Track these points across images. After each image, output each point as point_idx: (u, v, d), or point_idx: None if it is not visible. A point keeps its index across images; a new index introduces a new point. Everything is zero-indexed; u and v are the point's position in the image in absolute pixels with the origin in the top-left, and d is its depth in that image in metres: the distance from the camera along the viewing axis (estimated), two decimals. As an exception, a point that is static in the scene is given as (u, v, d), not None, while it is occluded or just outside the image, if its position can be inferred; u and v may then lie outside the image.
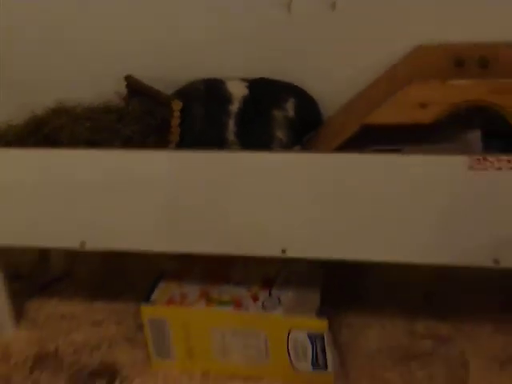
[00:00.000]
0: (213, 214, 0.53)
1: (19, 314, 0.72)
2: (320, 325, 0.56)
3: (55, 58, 0.70)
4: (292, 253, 0.53)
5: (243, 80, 0.63)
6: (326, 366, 0.58)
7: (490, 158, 0.46)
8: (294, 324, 0.57)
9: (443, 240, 0.50)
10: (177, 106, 0.59)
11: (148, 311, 0.60)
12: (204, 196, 0.53)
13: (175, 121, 0.59)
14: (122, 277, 0.79)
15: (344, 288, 0.72)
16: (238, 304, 0.59)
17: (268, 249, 0.53)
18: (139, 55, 0.66)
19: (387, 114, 0.56)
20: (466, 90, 0.55)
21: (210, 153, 0.53)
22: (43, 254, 0.83)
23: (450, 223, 0.49)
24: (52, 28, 0.68)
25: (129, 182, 0.54)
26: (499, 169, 0.47)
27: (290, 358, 0.59)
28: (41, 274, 0.79)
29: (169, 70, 0.66)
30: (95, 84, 0.66)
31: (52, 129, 0.59)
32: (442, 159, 0.48)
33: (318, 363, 0.58)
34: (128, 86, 0.64)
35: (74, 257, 0.84)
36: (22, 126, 0.63)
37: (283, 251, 0.53)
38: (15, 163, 0.57)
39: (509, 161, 0.46)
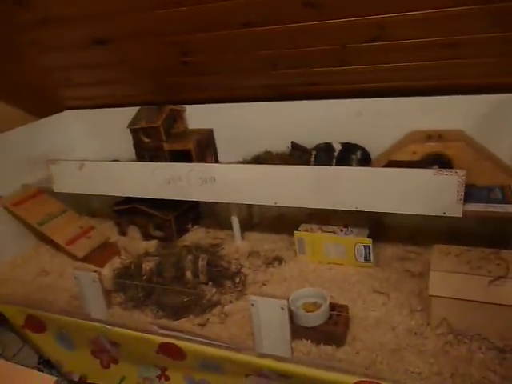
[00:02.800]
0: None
1: (242, 236, 1.66)
2: (368, 241, 1.41)
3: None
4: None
5: (340, 143, 1.52)
6: (370, 259, 1.42)
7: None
8: (357, 241, 1.42)
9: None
10: (312, 153, 1.50)
11: (297, 234, 1.49)
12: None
13: (311, 158, 1.50)
14: (281, 225, 1.70)
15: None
16: (334, 232, 1.47)
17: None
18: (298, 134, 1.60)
19: (398, 157, 1.41)
20: (432, 147, 1.38)
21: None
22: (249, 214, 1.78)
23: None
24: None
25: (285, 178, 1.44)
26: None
27: (355, 255, 1.44)
28: (248, 223, 1.74)
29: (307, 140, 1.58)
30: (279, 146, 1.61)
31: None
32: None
33: (367, 258, 1.42)
34: (292, 145, 1.58)
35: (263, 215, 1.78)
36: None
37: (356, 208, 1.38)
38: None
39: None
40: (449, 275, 1.12)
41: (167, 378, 1.43)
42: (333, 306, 1.16)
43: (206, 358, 1.26)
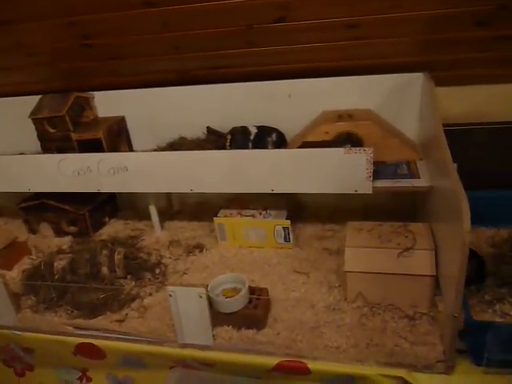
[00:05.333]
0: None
1: (162, 225, 1.61)
2: (287, 223, 1.42)
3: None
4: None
5: (255, 126, 1.51)
6: (289, 241, 1.44)
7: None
8: (276, 223, 1.43)
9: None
10: (228, 137, 1.48)
11: (217, 220, 1.47)
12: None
13: (227, 143, 1.48)
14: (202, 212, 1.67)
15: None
16: (253, 216, 1.46)
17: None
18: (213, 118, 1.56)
19: (311, 137, 1.43)
20: (343, 126, 1.41)
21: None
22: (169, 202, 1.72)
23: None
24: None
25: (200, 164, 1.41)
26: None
27: (275, 238, 1.45)
28: (168, 211, 1.69)
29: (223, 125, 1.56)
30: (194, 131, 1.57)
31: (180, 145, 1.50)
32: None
33: (286, 239, 1.44)
34: (208, 130, 1.54)
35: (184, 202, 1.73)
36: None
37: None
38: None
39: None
40: (362, 250, 1.15)
41: (89, 380, 1.36)
42: (252, 290, 1.16)
43: (126, 354, 1.21)
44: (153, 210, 1.55)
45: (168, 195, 1.71)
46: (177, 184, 1.37)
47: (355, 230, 1.24)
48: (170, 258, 1.46)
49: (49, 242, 1.63)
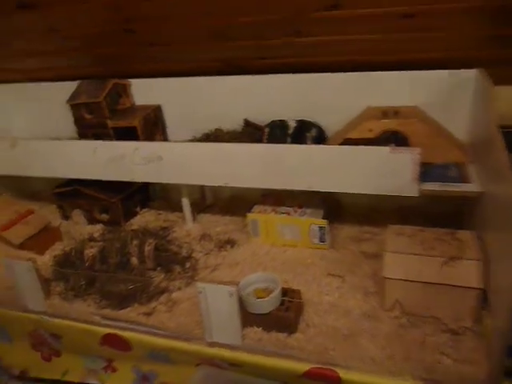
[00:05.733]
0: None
1: (194, 218, 1.57)
2: (323, 222, 1.36)
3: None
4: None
5: (294, 120, 1.45)
6: (325, 241, 1.38)
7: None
8: (312, 222, 1.37)
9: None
10: (266, 130, 1.43)
11: (250, 216, 1.43)
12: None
13: (264, 136, 1.43)
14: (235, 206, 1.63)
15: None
16: (288, 213, 1.41)
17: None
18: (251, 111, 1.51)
19: (354, 134, 1.36)
20: (388, 123, 1.33)
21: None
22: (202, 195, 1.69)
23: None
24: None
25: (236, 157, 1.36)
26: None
27: (310, 237, 1.39)
28: (200, 204, 1.66)
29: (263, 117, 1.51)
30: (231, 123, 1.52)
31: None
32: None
33: (322, 240, 1.38)
34: (245, 122, 1.50)
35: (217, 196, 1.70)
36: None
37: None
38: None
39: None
40: (403, 256, 1.09)
41: (114, 370, 1.35)
42: (285, 291, 1.11)
43: (153, 348, 1.19)
44: (185, 202, 1.52)
45: (201, 187, 1.68)
46: (211, 177, 1.33)
47: (395, 234, 1.17)
48: (200, 252, 1.42)
49: (80, 229, 1.62)
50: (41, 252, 1.50)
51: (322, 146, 1.34)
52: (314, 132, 1.43)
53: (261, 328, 1.08)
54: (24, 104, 1.82)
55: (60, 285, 1.34)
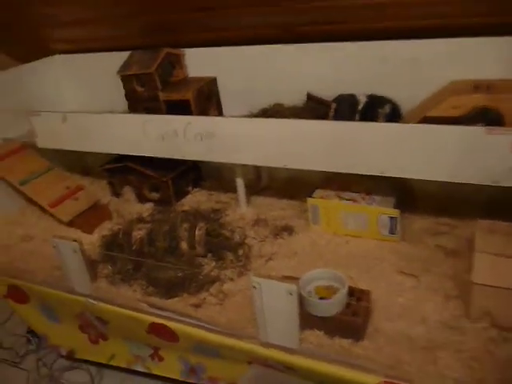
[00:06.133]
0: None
1: (248, 200, 1.45)
2: (395, 212, 1.19)
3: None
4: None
5: (365, 95, 1.28)
6: (395, 233, 1.21)
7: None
8: (382, 211, 1.21)
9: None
10: (332, 106, 1.27)
11: (311, 201, 1.28)
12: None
13: (330, 112, 1.27)
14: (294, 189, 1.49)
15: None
16: (354, 200, 1.25)
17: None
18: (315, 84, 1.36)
19: (435, 112, 1.17)
20: (478, 99, 1.13)
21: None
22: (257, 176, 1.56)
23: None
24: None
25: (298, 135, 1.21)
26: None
27: (378, 228, 1.23)
28: (255, 186, 1.53)
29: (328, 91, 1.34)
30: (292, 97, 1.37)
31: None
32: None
33: (392, 231, 1.21)
34: (308, 96, 1.34)
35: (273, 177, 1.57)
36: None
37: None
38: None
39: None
40: (497, 259, 0.91)
41: (161, 359, 1.28)
42: (351, 291, 0.96)
43: (201, 342, 1.09)
44: (240, 183, 1.40)
45: (257, 167, 1.55)
46: (269, 157, 1.20)
47: (486, 231, 0.99)
48: (254, 238, 1.30)
49: (130, 208, 1.55)
50: (89, 230, 1.44)
51: (398, 124, 1.16)
52: (387, 108, 1.25)
53: (322, 332, 0.95)
54: (75, 75, 1.75)
55: (107, 267, 1.27)
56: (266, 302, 0.92)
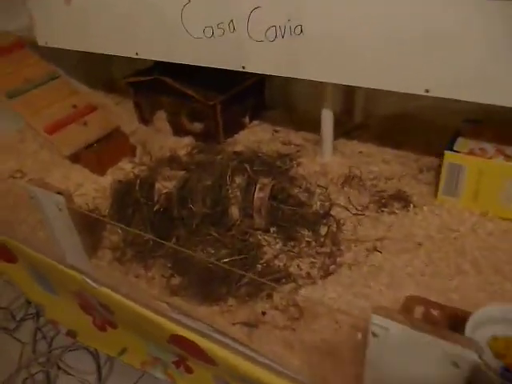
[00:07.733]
0: None
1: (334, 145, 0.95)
2: None
3: None
4: None
5: None
6: None
7: None
8: None
9: None
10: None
11: (450, 157, 0.77)
12: None
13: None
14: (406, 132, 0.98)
15: None
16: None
17: None
18: None
19: None
20: None
21: None
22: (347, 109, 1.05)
23: None
24: None
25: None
26: None
27: None
28: (345, 124, 1.02)
29: None
30: None
31: None
32: None
33: None
34: None
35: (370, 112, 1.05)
36: None
37: None
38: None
39: None
40: None
41: (189, 370, 0.86)
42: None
43: (252, 379, 0.65)
44: (327, 117, 0.89)
45: (350, 94, 1.02)
46: (396, 76, 0.67)
47: None
48: (345, 207, 0.81)
49: (162, 141, 1.10)
50: (100, 170, 1.00)
51: None
52: None
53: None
54: None
55: (117, 231, 0.83)
56: (386, 356, 0.45)
